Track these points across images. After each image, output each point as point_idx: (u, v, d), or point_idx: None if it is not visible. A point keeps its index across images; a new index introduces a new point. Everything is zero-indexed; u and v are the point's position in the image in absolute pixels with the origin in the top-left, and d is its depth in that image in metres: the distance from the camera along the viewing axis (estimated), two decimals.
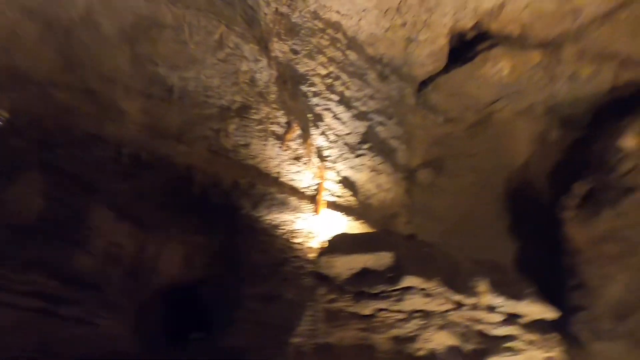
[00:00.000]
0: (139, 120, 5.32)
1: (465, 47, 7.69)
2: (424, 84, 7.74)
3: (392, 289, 2.66)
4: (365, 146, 6.82)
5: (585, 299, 6.48)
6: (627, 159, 5.93)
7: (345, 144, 6.65)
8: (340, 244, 2.80)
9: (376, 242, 2.82)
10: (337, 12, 6.19)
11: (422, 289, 2.62)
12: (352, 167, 6.72)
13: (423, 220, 8.01)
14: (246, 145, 5.56)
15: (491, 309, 2.85)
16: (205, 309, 6.46)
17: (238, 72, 5.09)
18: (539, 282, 7.61)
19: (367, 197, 6.88)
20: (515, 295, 2.89)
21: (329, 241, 3.24)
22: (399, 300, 2.62)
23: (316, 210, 6.16)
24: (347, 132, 6.67)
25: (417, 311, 2.67)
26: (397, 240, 2.96)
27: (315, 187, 6.23)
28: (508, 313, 2.89)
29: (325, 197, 6.28)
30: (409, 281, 2.63)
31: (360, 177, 6.77)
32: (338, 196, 6.52)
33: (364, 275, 2.70)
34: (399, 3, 6.17)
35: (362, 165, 6.76)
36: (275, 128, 5.67)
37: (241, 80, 5.14)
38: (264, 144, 5.58)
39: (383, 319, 2.61)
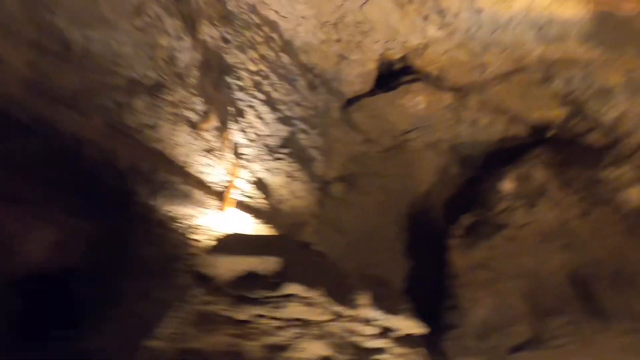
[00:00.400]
0: (23, 75, 4.48)
1: (391, 75, 8.25)
2: (350, 101, 8.04)
3: (274, 295, 2.60)
4: (285, 151, 6.77)
5: (456, 319, 7.25)
6: (503, 200, 6.88)
7: (265, 145, 6.52)
8: (229, 244, 2.65)
9: (268, 246, 2.74)
10: (276, 12, 6.11)
11: (304, 298, 2.62)
12: (268, 170, 6.60)
13: (330, 231, 8.22)
14: (153, 127, 5.06)
15: (368, 321, 2.99)
16: (76, 304, 5.62)
17: (156, 45, 4.64)
18: (424, 301, 8.35)
19: (279, 202, 6.81)
20: (392, 310, 3.09)
21: (219, 240, 3.07)
22: (279, 307, 2.57)
23: (222, 208, 5.87)
24: (268, 133, 6.56)
25: (295, 319, 2.66)
26: (290, 247, 2.93)
27: (226, 183, 5.96)
28: (383, 326, 3.07)
29: (234, 195, 6.03)
30: (291, 288, 2.61)
31: (275, 180, 6.68)
32: (249, 197, 6.32)
33: (249, 279, 2.59)
34: (337, 19, 6.33)
35: (278, 169, 6.69)
36: (190, 114, 5.28)
37: (158, 56, 4.69)
38: (174, 129, 5.15)
39: (258, 326, 2.52)
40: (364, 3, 6.05)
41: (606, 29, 5.21)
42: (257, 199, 6.28)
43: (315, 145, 7.23)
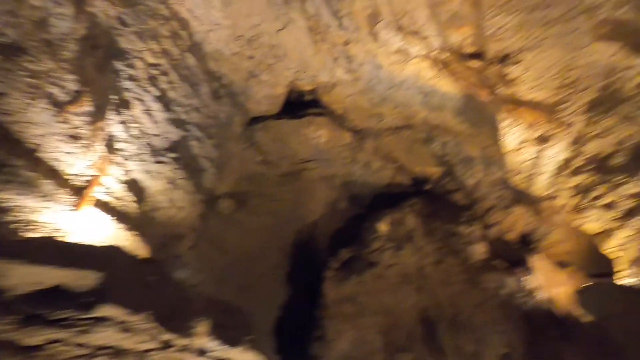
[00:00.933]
0: None
1: (300, 104, 8.50)
2: (254, 120, 7.96)
3: (82, 317, 2.19)
4: (172, 155, 6.25)
5: (321, 350, 7.35)
6: (377, 239, 7.43)
7: (149, 144, 5.93)
8: (34, 249, 2.17)
9: (90, 258, 2.33)
10: (189, 10, 5.81)
11: (122, 322, 2.27)
12: (147, 172, 5.97)
13: (209, 248, 7.74)
14: (1, 95, 4.17)
15: (203, 352, 2.74)
16: None
17: (23, 1, 3.91)
18: (295, 330, 8.35)
19: (152, 209, 6.16)
20: (233, 340, 2.91)
21: (17, 243, 2.53)
22: (86, 332, 2.17)
23: (78, 206, 5.04)
24: (156, 133, 6.00)
25: (106, 347, 2.27)
26: (122, 261, 2.57)
27: (89, 178, 5.17)
28: (218, 358, 2.86)
29: (96, 193, 5.25)
30: (106, 310, 2.23)
31: (153, 184, 6.06)
32: (116, 197, 5.58)
33: (53, 295, 2.14)
34: (252, 36, 6.31)
35: (159, 173, 6.10)
36: (55, 91, 4.51)
37: (24, 14, 3.94)
38: (30, 104, 4.32)
39: (54, 354, 2.07)
40: (281, 29, 6.17)
41: (471, 108, 6.28)
42: (126, 202, 5.57)
43: (208, 156, 6.86)
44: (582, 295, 4.69)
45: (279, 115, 8.06)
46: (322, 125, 8.42)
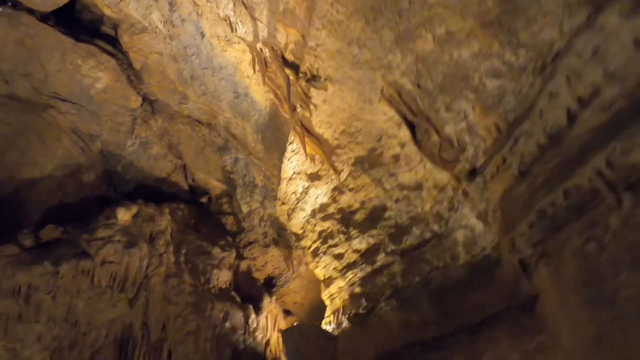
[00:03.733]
0: None
1: (92, 30, 6.44)
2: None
3: None
4: None
5: None
6: (108, 227, 5.76)
7: None
8: None
9: None
10: None
11: None
12: None
13: None
14: None
15: None
16: None
17: None
18: None
19: None
20: None
21: None
22: None
23: None
24: None
25: None
26: None
27: None
28: None
29: None
30: None
31: None
32: None
33: None
34: None
35: None
36: None
37: None
38: None
39: None
40: None
41: (271, 128, 6.14)
42: None
43: None
44: (286, 334, 4.66)
45: (44, 18, 5.73)
46: (106, 68, 6.51)
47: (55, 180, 6.77)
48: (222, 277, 7.44)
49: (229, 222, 9.12)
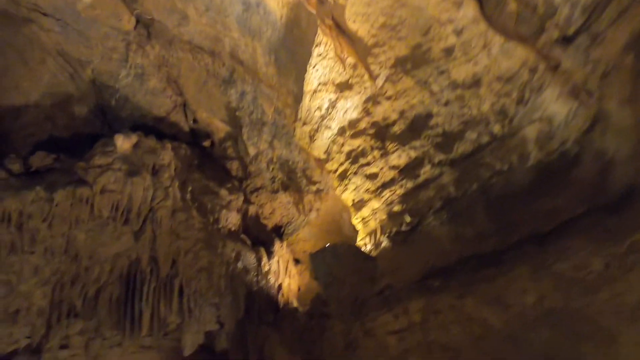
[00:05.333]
0: None
1: None
2: None
3: None
4: None
5: None
6: (107, 155, 5.15)
7: None
8: None
9: None
10: None
11: None
12: None
13: None
14: None
15: None
16: None
17: None
18: None
19: None
20: None
21: None
22: None
23: None
24: None
25: None
26: None
27: None
28: None
29: None
30: None
31: None
32: None
33: None
34: None
35: None
36: None
37: None
38: None
39: None
40: None
41: (287, 44, 5.40)
42: None
43: None
44: (316, 257, 4.25)
45: None
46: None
47: (43, 110, 6.05)
48: (231, 219, 6.97)
49: (234, 167, 8.52)
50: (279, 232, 8.67)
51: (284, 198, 8.50)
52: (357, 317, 3.14)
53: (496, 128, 3.11)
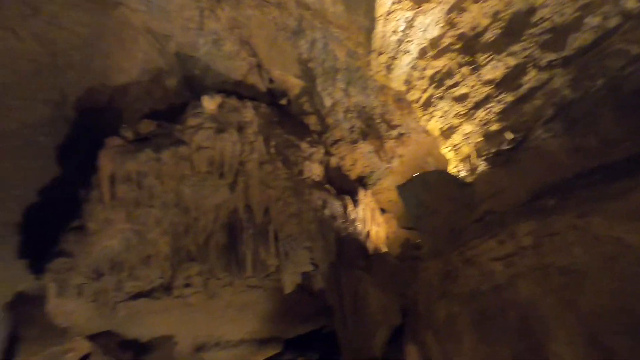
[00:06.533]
0: None
1: None
2: None
3: None
4: None
5: (77, 246, 5.18)
6: (197, 116, 5.57)
7: None
8: None
9: None
10: None
11: None
12: None
13: None
14: None
15: None
16: None
17: None
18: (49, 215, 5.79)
19: None
20: None
21: None
22: None
23: None
24: None
25: None
26: None
27: None
28: None
29: None
30: None
31: None
32: None
33: None
34: None
35: None
36: None
37: None
38: None
39: None
40: None
41: None
42: None
43: None
44: (404, 188, 4.08)
45: None
46: None
47: (143, 86, 6.75)
48: (315, 170, 7.10)
49: (311, 121, 8.56)
50: (362, 182, 8.61)
51: (365, 147, 8.31)
52: (455, 247, 2.94)
53: (630, 3, 2.42)
